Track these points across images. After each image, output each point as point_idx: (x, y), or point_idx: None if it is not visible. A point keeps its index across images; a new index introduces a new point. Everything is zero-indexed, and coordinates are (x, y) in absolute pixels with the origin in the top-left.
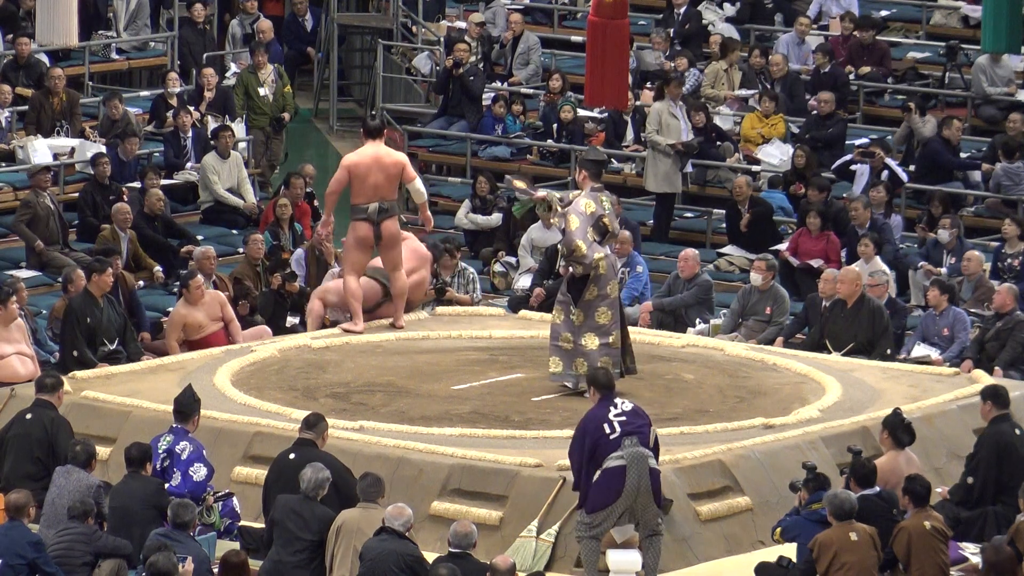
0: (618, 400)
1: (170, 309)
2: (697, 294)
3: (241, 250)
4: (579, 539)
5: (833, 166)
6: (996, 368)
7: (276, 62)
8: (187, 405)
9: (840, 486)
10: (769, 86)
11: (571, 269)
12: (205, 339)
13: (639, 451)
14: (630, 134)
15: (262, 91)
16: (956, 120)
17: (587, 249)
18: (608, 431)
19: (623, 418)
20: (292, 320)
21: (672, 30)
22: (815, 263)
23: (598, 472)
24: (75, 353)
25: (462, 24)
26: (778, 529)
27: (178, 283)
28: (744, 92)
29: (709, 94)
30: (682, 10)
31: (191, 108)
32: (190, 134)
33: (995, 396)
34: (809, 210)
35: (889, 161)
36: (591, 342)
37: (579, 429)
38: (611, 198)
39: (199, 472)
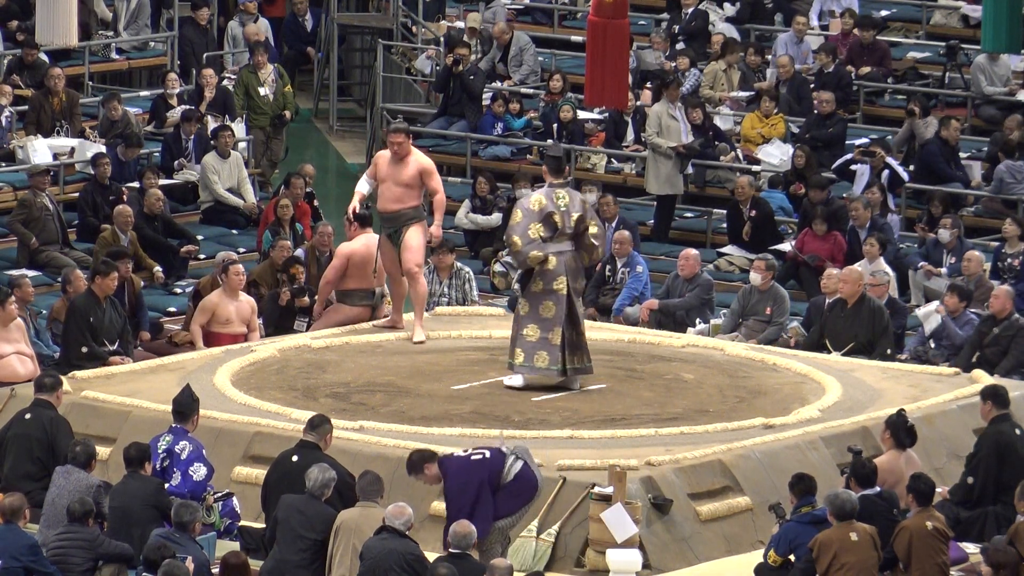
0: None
1: (171, 308)
2: (700, 295)
3: (242, 250)
4: (495, 546)
5: (834, 165)
6: (996, 374)
7: (273, 63)
8: (185, 405)
9: (841, 486)
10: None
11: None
12: (222, 335)
13: (519, 444)
14: (630, 134)
15: (262, 91)
16: (954, 120)
17: (522, 245)
18: (477, 462)
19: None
20: (300, 323)
21: (678, 27)
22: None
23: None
24: (84, 349)
25: (461, 24)
26: (771, 551)
27: (178, 282)
28: (742, 94)
29: (707, 95)
30: (690, 10)
31: (190, 107)
32: (192, 135)
33: (995, 396)
34: (814, 214)
35: (890, 160)
36: (532, 333)
37: (461, 490)
38: (574, 194)
39: (199, 471)
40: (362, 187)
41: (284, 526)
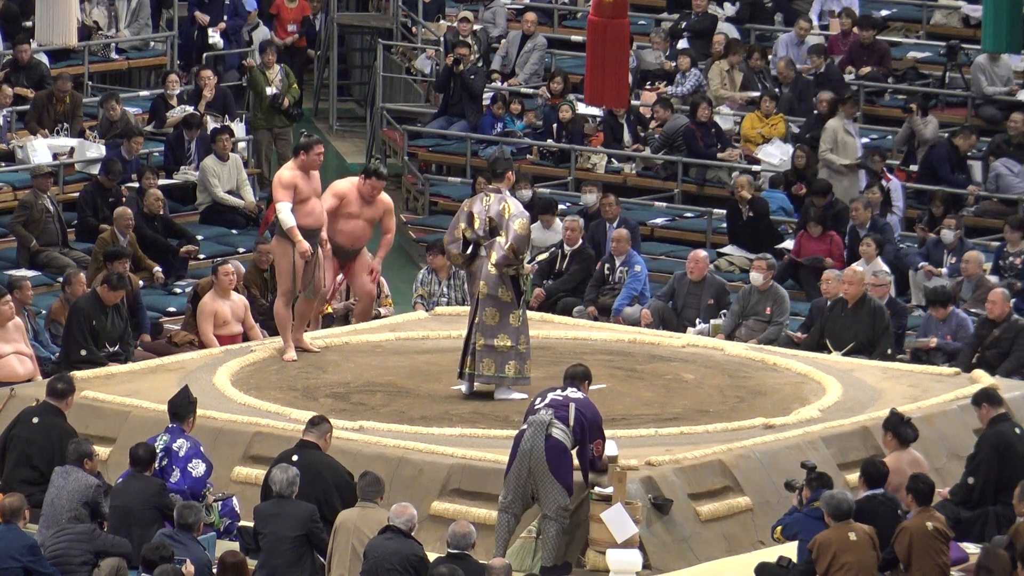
0: (573, 389)
1: (171, 308)
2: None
3: (241, 250)
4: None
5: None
6: (996, 375)
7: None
8: (182, 407)
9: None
10: (768, 86)
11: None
12: (221, 337)
13: (541, 416)
14: (627, 136)
15: (270, 90)
16: (974, 135)
17: (448, 242)
18: (537, 401)
19: (559, 396)
20: None
21: (685, 23)
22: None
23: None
24: (83, 352)
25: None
26: (778, 528)
27: (178, 282)
28: (745, 94)
29: (710, 95)
30: (701, 12)
31: (193, 112)
32: (193, 139)
33: (988, 397)
34: (809, 218)
35: (893, 198)
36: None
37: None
38: (502, 200)
39: (198, 468)
40: (292, 219)
41: (264, 535)
